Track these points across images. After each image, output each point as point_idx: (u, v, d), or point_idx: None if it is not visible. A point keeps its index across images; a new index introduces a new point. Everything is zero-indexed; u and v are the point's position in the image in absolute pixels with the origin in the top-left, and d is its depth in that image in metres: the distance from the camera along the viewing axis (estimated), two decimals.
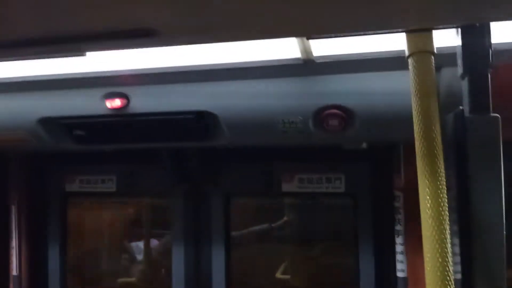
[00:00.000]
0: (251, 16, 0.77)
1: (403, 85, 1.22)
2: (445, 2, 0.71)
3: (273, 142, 1.86)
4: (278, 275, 2.54)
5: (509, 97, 1.56)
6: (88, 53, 1.53)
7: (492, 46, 1.21)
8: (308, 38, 1.36)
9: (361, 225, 2.27)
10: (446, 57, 1.28)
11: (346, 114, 1.61)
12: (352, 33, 1.29)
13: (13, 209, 2.55)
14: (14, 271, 2.57)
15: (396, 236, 2.08)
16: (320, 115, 1.63)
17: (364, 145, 1.93)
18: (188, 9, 0.75)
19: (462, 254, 1.09)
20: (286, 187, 2.36)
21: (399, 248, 2.06)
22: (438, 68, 1.48)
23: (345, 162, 2.27)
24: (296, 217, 2.57)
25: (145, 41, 0.89)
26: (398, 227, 2.08)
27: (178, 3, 0.73)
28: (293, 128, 1.69)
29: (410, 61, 1.12)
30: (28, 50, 0.95)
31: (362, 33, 1.29)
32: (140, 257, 2.83)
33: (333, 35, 1.30)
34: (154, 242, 2.90)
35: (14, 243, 2.56)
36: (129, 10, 0.75)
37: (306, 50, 1.47)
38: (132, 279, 2.80)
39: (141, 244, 2.86)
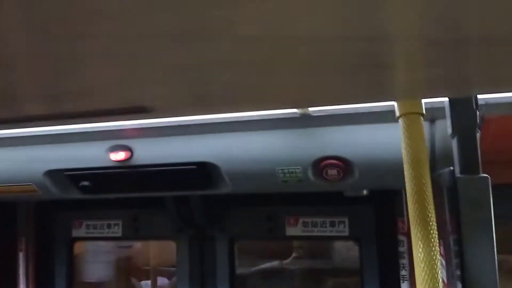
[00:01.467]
0: (243, 92, 0.81)
1: (397, 136, 1.26)
2: (433, 79, 0.74)
3: (274, 190, 1.88)
4: None
5: (504, 144, 1.59)
6: None
7: (486, 100, 1.24)
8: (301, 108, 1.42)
9: (366, 269, 2.26)
10: (440, 110, 1.31)
11: (344, 164, 1.63)
12: (344, 104, 1.34)
13: (21, 256, 2.58)
14: None
15: (401, 281, 2.06)
16: (319, 165, 1.66)
17: (365, 191, 1.94)
18: (181, 87, 0.79)
19: None
20: (290, 231, 2.37)
21: None
22: (433, 120, 1.51)
23: (348, 206, 2.27)
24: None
25: (142, 115, 0.94)
26: (404, 272, 2.06)
27: (173, 82, 0.77)
28: (293, 178, 1.71)
29: (400, 121, 1.15)
30: (33, 124, 1.00)
31: (353, 104, 1.34)
32: None
33: (326, 106, 1.35)
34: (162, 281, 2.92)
35: None
36: (126, 90, 0.80)
37: None
38: None
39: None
